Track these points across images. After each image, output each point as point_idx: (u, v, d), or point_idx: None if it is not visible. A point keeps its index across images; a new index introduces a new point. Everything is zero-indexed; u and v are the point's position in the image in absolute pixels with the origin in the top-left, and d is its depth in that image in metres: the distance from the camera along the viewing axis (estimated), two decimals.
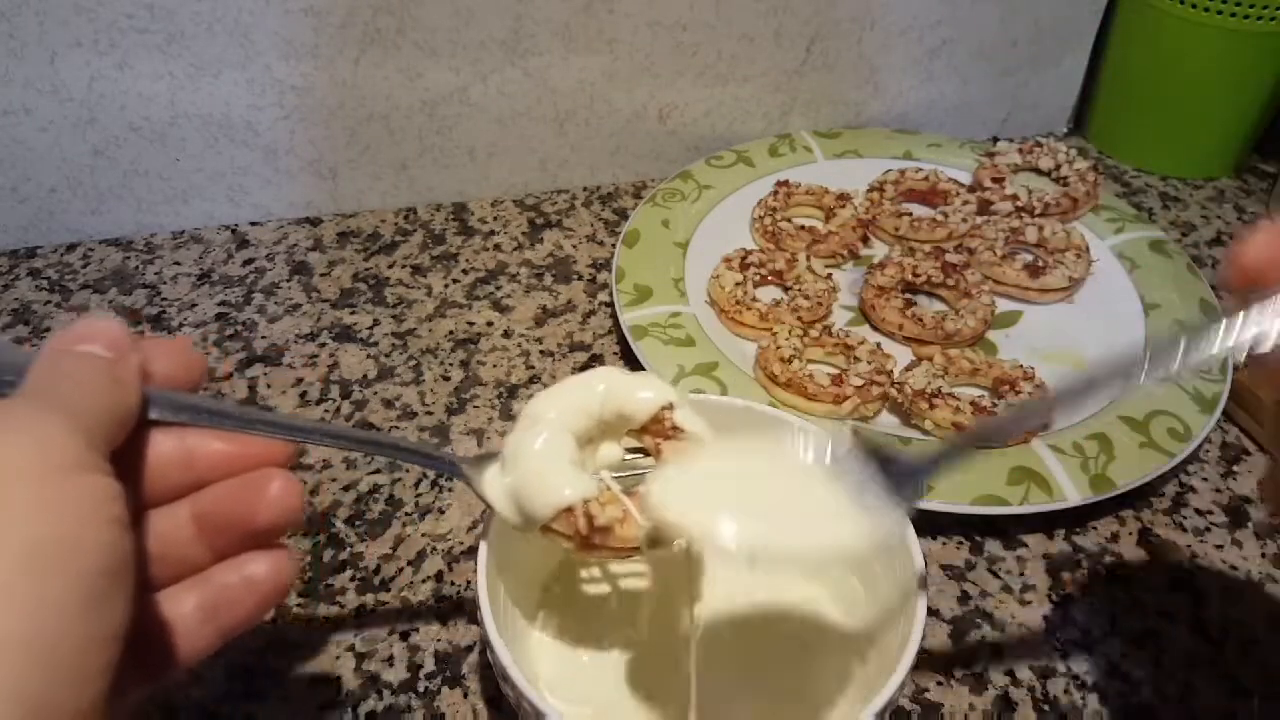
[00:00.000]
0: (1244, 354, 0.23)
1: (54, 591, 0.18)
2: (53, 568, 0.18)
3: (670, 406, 0.32)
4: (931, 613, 0.41)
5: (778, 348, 0.51)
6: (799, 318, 0.54)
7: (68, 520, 0.19)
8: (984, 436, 0.27)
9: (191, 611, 0.26)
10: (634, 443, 0.34)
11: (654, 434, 0.33)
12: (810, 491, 0.29)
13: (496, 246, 0.64)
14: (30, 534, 0.18)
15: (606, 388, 0.32)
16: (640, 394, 0.32)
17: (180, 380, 0.27)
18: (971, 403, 0.47)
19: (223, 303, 0.59)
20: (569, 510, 0.30)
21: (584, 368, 0.54)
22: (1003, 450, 0.47)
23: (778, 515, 0.29)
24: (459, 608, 0.42)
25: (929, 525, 0.45)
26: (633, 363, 0.53)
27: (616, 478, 0.33)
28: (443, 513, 0.46)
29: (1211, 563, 0.44)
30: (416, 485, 0.47)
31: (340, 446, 0.30)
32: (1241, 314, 0.23)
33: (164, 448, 0.26)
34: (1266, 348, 0.22)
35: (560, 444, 0.31)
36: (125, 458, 0.25)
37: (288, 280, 0.61)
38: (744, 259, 0.57)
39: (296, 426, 0.28)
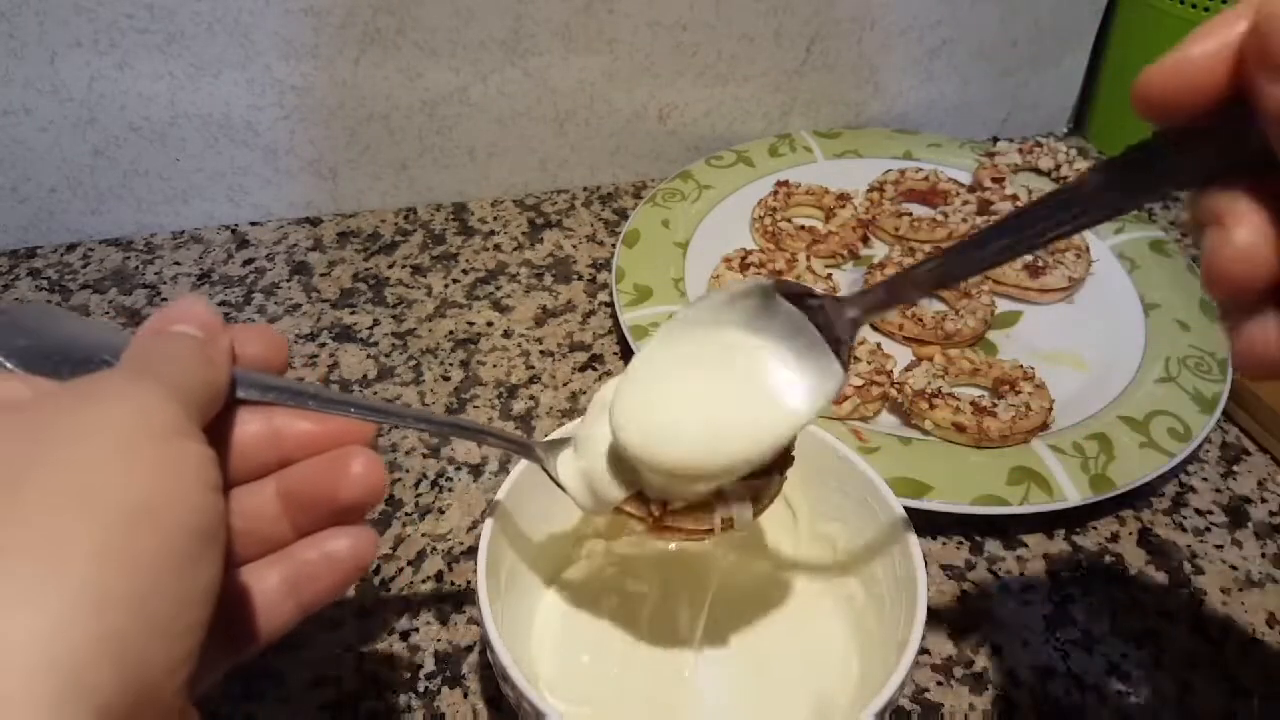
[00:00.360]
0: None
1: (151, 550, 0.19)
2: (150, 527, 0.19)
3: None
4: (931, 613, 0.41)
5: None
6: None
7: (165, 482, 0.20)
8: (920, 281, 0.26)
9: (275, 586, 0.27)
10: None
11: None
12: (749, 371, 0.29)
13: (496, 246, 0.64)
14: (130, 495, 0.19)
15: None
16: None
17: (268, 363, 0.28)
18: (971, 403, 0.47)
19: (223, 303, 0.59)
20: (640, 495, 0.30)
21: (584, 368, 0.54)
22: (1002, 450, 0.47)
23: (724, 416, 0.29)
24: (459, 608, 0.42)
25: (929, 525, 0.45)
26: None
27: None
28: (443, 513, 0.46)
29: (1211, 563, 0.44)
30: (416, 485, 0.47)
31: (421, 429, 0.30)
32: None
33: (251, 426, 0.27)
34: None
35: None
36: (215, 435, 0.25)
37: (288, 280, 0.61)
38: (744, 259, 0.58)
39: (378, 408, 0.29)
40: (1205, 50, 0.20)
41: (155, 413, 0.21)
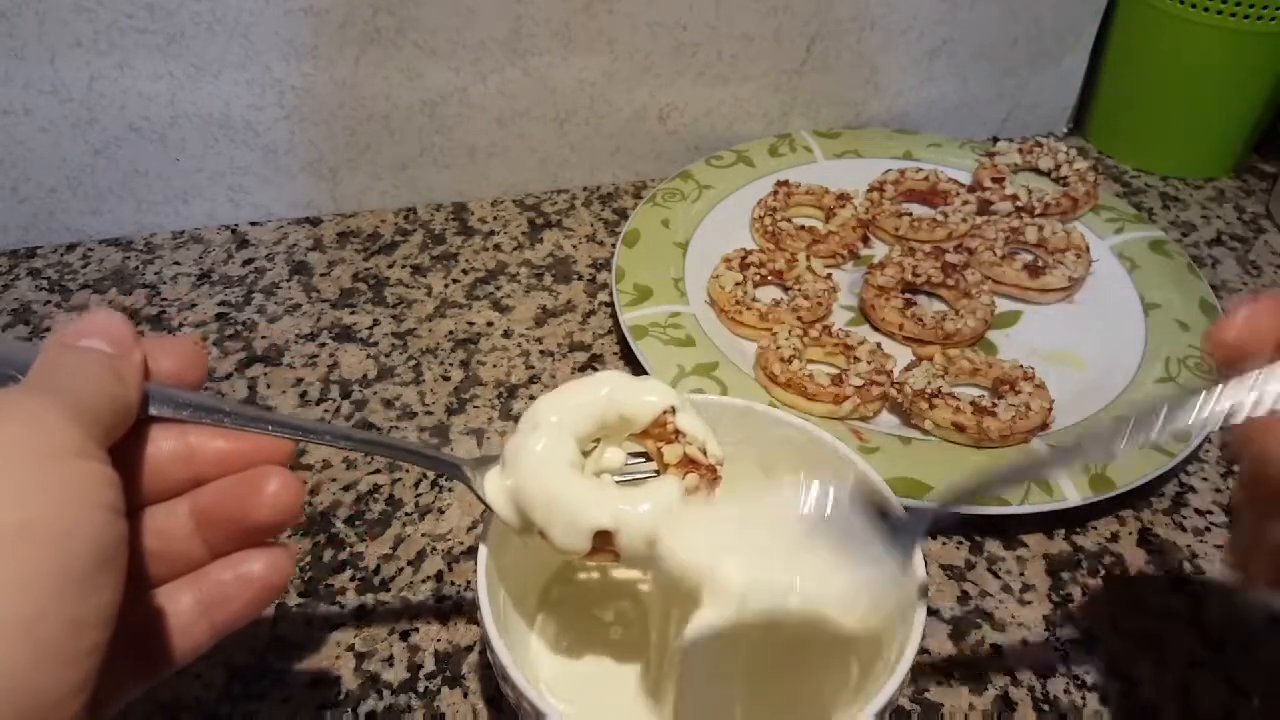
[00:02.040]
0: (1219, 424, 0.24)
1: (40, 572, 0.18)
2: (40, 549, 0.19)
3: (673, 410, 0.32)
4: (931, 613, 0.41)
5: (778, 348, 0.51)
6: (799, 318, 0.54)
7: (58, 503, 0.19)
8: (977, 490, 0.29)
9: (188, 608, 0.26)
10: (636, 446, 0.34)
11: (656, 438, 0.33)
12: (809, 542, 0.30)
13: (496, 246, 0.64)
14: (19, 515, 0.19)
15: (610, 391, 0.32)
16: (643, 397, 0.32)
17: (183, 378, 0.27)
18: (971, 403, 0.47)
19: (223, 303, 0.59)
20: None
21: (584, 368, 0.54)
22: (1002, 450, 0.47)
23: (776, 563, 0.29)
24: (459, 608, 0.42)
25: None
26: (633, 363, 0.53)
27: (619, 481, 0.33)
28: (443, 513, 0.46)
29: (1211, 563, 0.44)
30: (416, 485, 0.47)
31: (341, 446, 0.30)
32: (1220, 386, 0.24)
33: (165, 444, 0.26)
34: (1240, 419, 0.24)
35: (561, 447, 0.31)
36: (126, 453, 0.25)
37: (288, 280, 0.61)
38: (744, 259, 0.58)
39: (297, 425, 0.28)
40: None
41: (51, 432, 0.20)
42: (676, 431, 0.32)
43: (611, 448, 0.34)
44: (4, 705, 0.17)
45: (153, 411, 0.26)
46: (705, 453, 0.32)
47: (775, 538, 0.30)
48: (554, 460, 0.30)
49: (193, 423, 0.26)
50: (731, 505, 0.32)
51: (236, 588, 0.26)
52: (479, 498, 0.31)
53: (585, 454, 0.33)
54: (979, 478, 0.29)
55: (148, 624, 0.26)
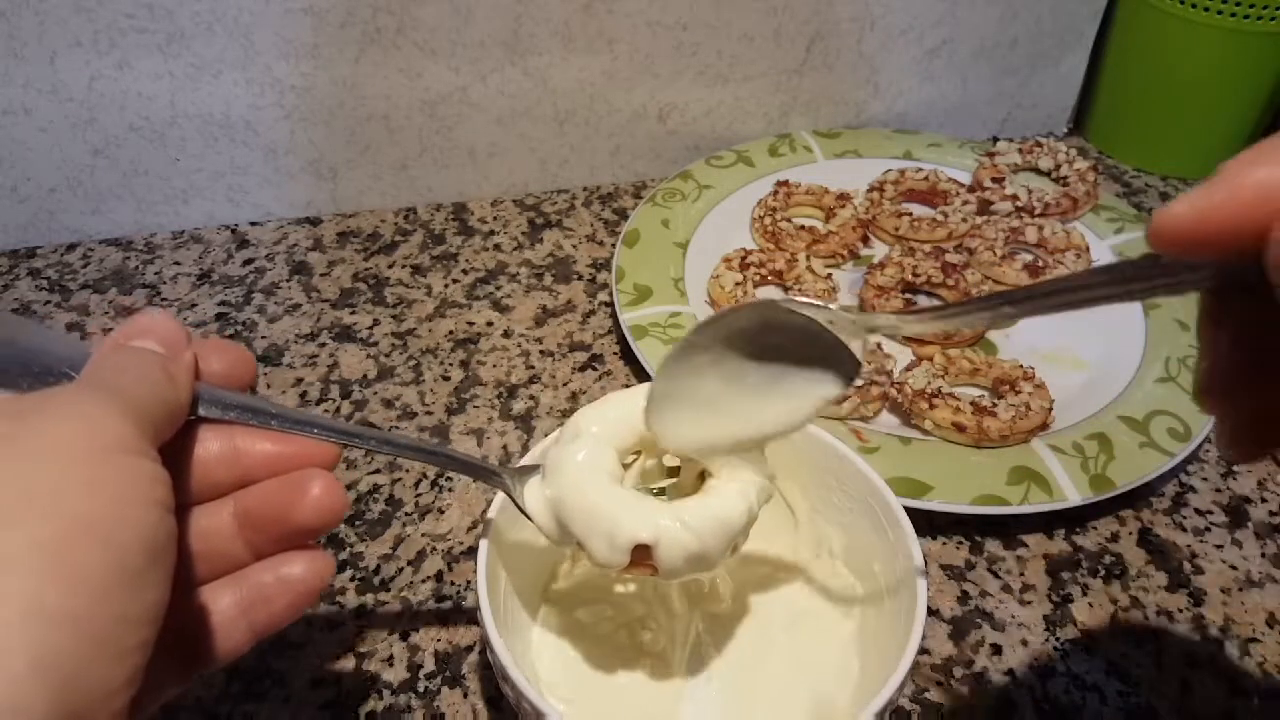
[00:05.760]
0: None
1: (92, 567, 0.19)
2: (92, 543, 0.19)
3: None
4: (931, 613, 0.41)
5: None
6: None
7: (110, 498, 0.20)
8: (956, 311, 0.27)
9: (228, 608, 0.26)
10: (674, 460, 0.33)
11: None
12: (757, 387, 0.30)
13: (496, 246, 0.64)
14: (73, 510, 0.19)
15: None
16: None
17: (233, 380, 0.27)
18: (971, 403, 0.47)
19: (223, 303, 0.59)
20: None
21: (584, 368, 0.54)
22: (1002, 450, 0.47)
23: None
24: (459, 608, 0.42)
25: (929, 525, 0.45)
26: (633, 363, 0.53)
27: (656, 493, 0.32)
28: (443, 513, 0.46)
29: (1211, 563, 0.44)
30: (416, 485, 0.47)
31: (384, 451, 0.30)
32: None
33: (212, 445, 0.26)
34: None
35: (602, 458, 0.30)
36: (174, 453, 0.25)
37: (288, 280, 0.61)
38: (744, 259, 0.57)
39: (342, 429, 0.28)
40: (1216, 209, 0.20)
41: (105, 429, 0.21)
42: None
43: (651, 460, 0.33)
44: (54, 698, 0.17)
45: (201, 412, 0.26)
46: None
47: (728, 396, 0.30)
48: (594, 471, 0.30)
49: (240, 424, 0.27)
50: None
51: (277, 589, 0.27)
52: (519, 508, 0.31)
53: (625, 466, 0.32)
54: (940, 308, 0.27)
55: (189, 623, 0.26)
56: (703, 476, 0.32)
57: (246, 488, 0.27)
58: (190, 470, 0.26)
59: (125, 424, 0.21)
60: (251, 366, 0.28)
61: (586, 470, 0.30)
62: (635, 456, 0.33)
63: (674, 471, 0.33)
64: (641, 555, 0.29)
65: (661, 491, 0.33)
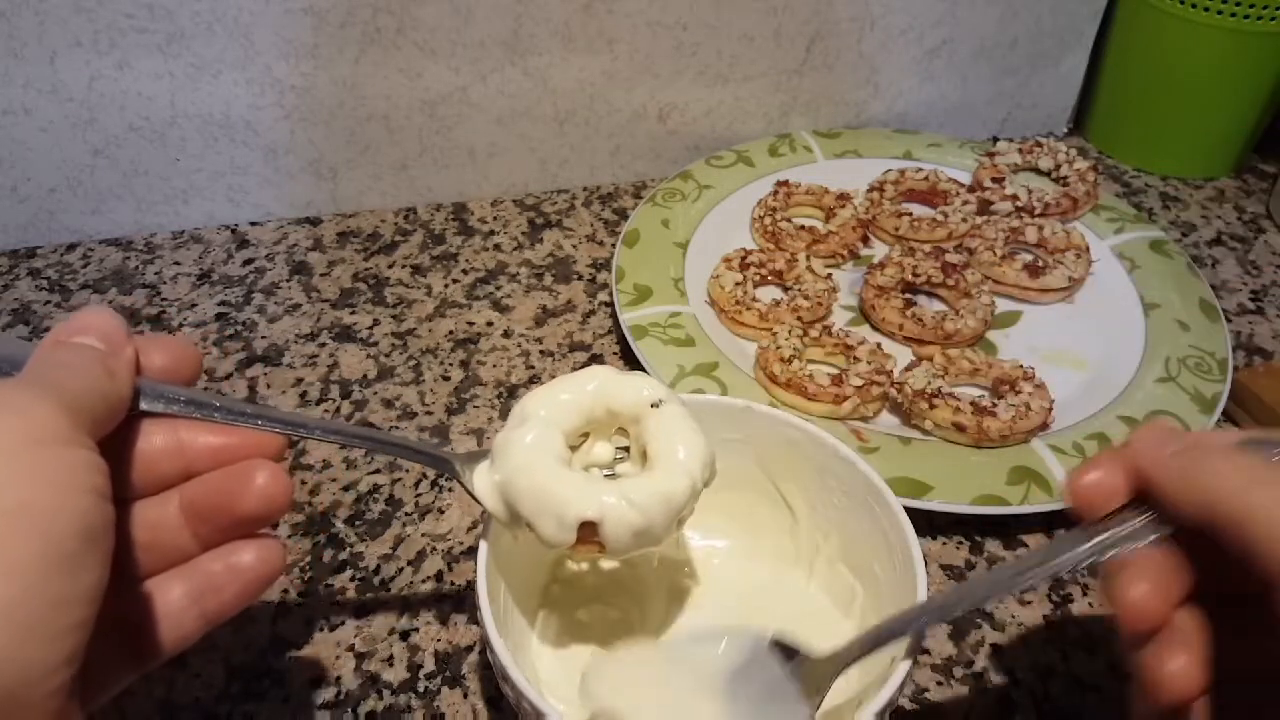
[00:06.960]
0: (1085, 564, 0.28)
1: (23, 555, 0.19)
2: (25, 533, 0.19)
3: (659, 403, 0.32)
4: None
5: (778, 348, 0.51)
6: (799, 318, 0.54)
7: (43, 488, 0.20)
8: (886, 635, 0.30)
9: (178, 598, 0.27)
10: (624, 441, 0.34)
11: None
12: (729, 689, 0.31)
13: (496, 246, 0.64)
14: (4, 501, 0.19)
15: (597, 385, 0.33)
16: (630, 391, 0.32)
17: (176, 374, 0.27)
18: (971, 403, 0.47)
19: (223, 303, 0.59)
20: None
21: (584, 368, 0.54)
22: (1002, 450, 0.47)
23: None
24: (459, 608, 0.42)
25: (929, 525, 0.45)
26: (633, 363, 0.53)
27: (606, 475, 0.33)
28: (443, 513, 0.46)
29: None
30: (416, 485, 0.47)
31: (331, 440, 0.30)
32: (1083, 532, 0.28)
33: (156, 439, 0.27)
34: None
35: (548, 440, 0.31)
36: (117, 447, 0.26)
37: (288, 280, 0.61)
38: (744, 259, 0.57)
39: (287, 420, 0.28)
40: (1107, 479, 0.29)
41: (39, 423, 0.21)
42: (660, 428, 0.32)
43: (600, 442, 0.34)
44: None
45: (144, 406, 0.26)
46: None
47: (696, 685, 0.31)
48: (542, 453, 0.30)
49: (184, 418, 0.27)
50: (658, 650, 0.33)
51: (226, 577, 0.27)
52: (468, 491, 0.31)
53: (574, 448, 0.33)
54: (872, 632, 0.30)
55: (138, 613, 0.26)
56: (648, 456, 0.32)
57: (192, 479, 0.27)
58: (134, 464, 0.26)
59: (60, 417, 0.21)
60: (195, 361, 0.28)
61: (534, 452, 0.30)
62: (583, 439, 0.33)
63: (623, 452, 0.34)
64: (588, 533, 0.30)
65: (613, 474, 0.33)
